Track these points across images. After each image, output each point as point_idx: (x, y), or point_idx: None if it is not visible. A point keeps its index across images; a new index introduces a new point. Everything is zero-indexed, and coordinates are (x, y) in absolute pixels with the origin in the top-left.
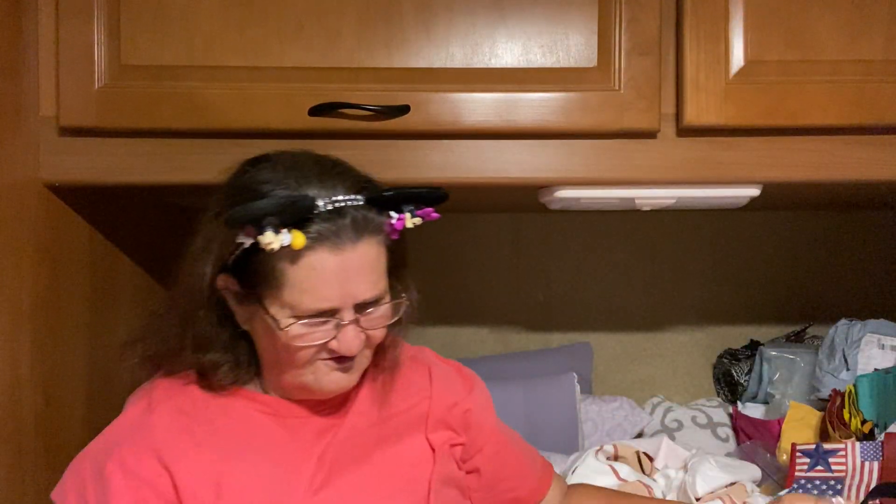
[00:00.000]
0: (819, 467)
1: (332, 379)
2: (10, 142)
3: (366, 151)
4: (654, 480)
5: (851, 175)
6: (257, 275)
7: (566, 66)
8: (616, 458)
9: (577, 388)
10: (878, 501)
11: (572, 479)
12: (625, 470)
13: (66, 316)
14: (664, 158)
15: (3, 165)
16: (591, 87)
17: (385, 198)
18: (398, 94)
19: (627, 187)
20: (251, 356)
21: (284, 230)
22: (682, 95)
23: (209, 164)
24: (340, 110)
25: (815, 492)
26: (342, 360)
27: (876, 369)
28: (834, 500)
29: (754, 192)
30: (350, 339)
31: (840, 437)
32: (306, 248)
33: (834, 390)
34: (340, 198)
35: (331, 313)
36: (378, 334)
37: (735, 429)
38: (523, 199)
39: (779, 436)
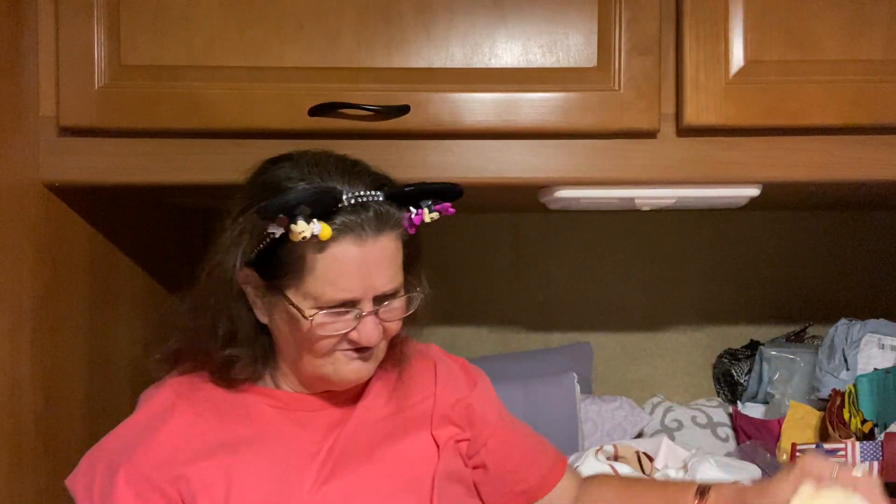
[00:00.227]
0: None
1: (351, 368)
2: (10, 142)
3: (366, 151)
4: None
5: (851, 175)
6: (282, 266)
7: (566, 66)
8: (616, 458)
9: (577, 388)
10: None
11: None
12: (625, 470)
13: (66, 316)
14: (664, 158)
15: (3, 165)
16: (591, 86)
17: (405, 193)
18: (398, 94)
19: (627, 187)
20: (268, 351)
21: (314, 220)
22: (681, 95)
23: (209, 164)
24: (340, 110)
25: None
26: (361, 351)
27: (876, 369)
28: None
29: (754, 192)
30: (370, 330)
31: (840, 436)
32: (331, 238)
33: (834, 390)
34: (364, 192)
35: (351, 304)
36: (395, 326)
37: (735, 429)
38: (523, 199)
39: (779, 436)
